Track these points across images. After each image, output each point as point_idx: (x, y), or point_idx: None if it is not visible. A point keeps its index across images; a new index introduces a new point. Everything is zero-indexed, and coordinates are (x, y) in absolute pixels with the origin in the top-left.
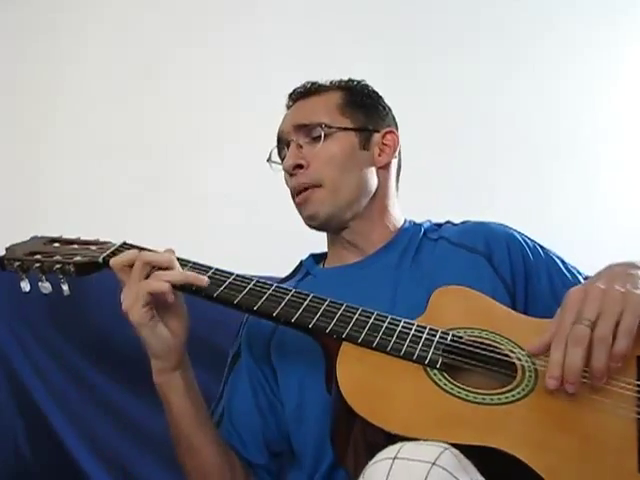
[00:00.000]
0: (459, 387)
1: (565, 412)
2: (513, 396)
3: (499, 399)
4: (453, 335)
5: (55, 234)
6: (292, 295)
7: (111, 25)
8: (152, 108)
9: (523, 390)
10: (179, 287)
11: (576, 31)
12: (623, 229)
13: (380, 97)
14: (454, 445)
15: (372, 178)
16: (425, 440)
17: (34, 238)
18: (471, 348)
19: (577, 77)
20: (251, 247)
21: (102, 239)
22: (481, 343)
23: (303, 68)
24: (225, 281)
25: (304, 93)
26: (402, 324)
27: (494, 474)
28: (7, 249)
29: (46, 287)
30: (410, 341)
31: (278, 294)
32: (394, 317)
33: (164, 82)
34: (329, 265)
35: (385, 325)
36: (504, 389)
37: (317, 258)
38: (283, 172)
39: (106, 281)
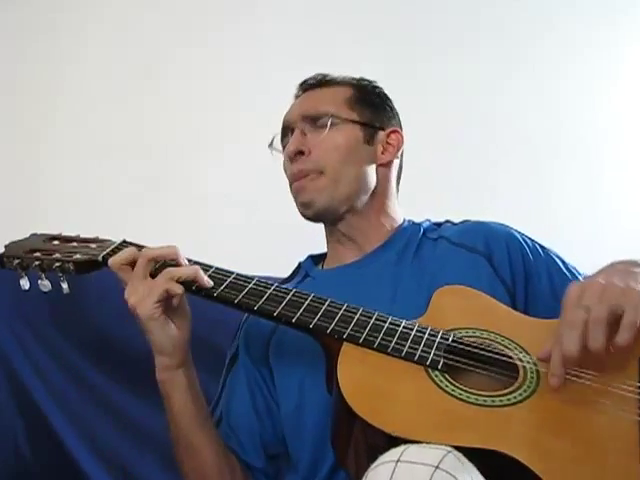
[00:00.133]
0: (460, 389)
1: (567, 414)
2: (515, 398)
3: (500, 401)
4: (454, 336)
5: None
6: (293, 295)
7: (111, 25)
8: (152, 108)
9: (525, 392)
10: (182, 284)
11: (576, 31)
12: (624, 229)
13: (389, 99)
14: (455, 447)
15: (372, 174)
16: (426, 442)
17: (33, 235)
18: (472, 349)
19: (577, 77)
20: (251, 247)
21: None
22: (482, 344)
23: (303, 68)
24: (225, 280)
25: (314, 84)
26: (403, 325)
27: (496, 476)
28: (6, 246)
29: (45, 285)
30: (411, 342)
31: (279, 294)
32: (395, 318)
33: (164, 82)
34: (328, 265)
35: (386, 326)
36: (506, 391)
37: (316, 259)
38: (283, 160)
39: (107, 280)
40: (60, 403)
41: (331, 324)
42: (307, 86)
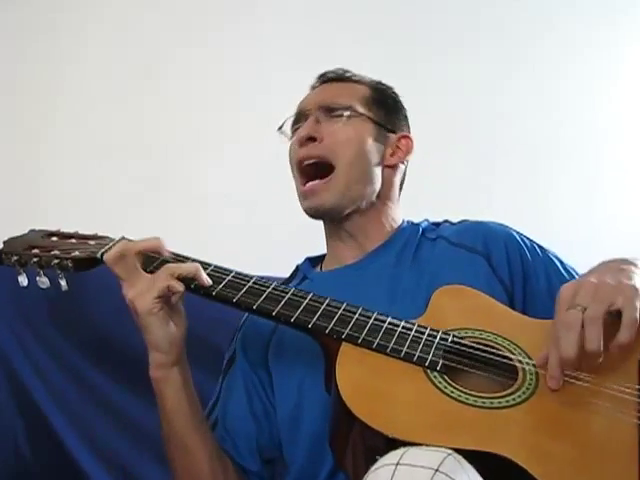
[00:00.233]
0: (459, 390)
1: (565, 417)
2: (514, 400)
3: (499, 403)
4: (454, 336)
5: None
6: (291, 294)
7: (111, 25)
8: (152, 108)
9: (524, 393)
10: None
11: (576, 31)
12: (623, 229)
13: (403, 105)
14: (454, 450)
15: (378, 174)
16: (425, 444)
17: (32, 231)
18: (472, 350)
19: (577, 77)
20: (251, 247)
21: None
22: (482, 345)
23: (303, 68)
24: (224, 279)
25: (334, 78)
26: (402, 325)
27: (496, 478)
28: (5, 242)
29: (44, 282)
30: (410, 342)
31: (278, 293)
32: (394, 317)
33: (164, 82)
34: (327, 266)
35: (385, 326)
36: (504, 392)
37: (314, 261)
38: (289, 146)
39: (107, 279)
40: (60, 403)
41: (330, 324)
42: (326, 78)
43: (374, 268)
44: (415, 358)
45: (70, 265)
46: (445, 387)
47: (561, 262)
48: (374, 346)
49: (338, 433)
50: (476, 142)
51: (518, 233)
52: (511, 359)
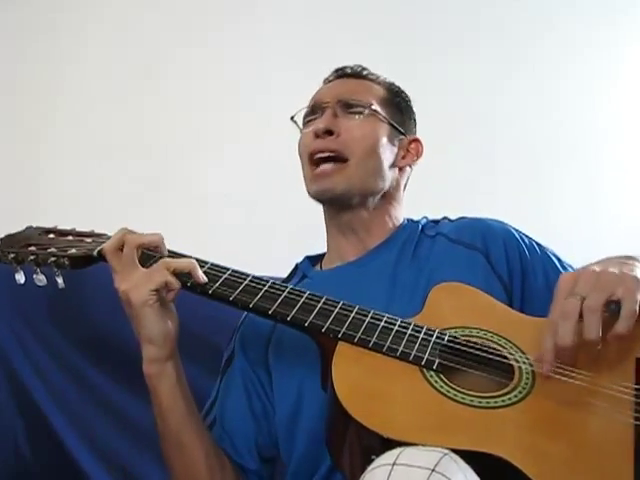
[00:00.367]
0: (455, 390)
1: (561, 416)
2: (510, 399)
3: (495, 402)
4: (450, 335)
5: None
6: (288, 292)
7: (111, 25)
8: (152, 108)
9: (520, 393)
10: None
11: (576, 31)
12: (623, 229)
13: (413, 110)
14: (450, 450)
15: (389, 175)
16: (422, 444)
17: (29, 228)
18: (468, 349)
19: (577, 77)
20: (251, 247)
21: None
22: (478, 344)
23: (303, 68)
24: (221, 277)
25: (352, 74)
26: (399, 323)
27: (493, 478)
28: (1, 240)
29: (41, 280)
30: (407, 341)
31: (274, 291)
32: (391, 316)
33: (164, 82)
34: (327, 264)
35: (381, 324)
36: (501, 392)
37: (313, 260)
38: (301, 136)
39: (107, 279)
40: (60, 403)
41: (326, 323)
42: (343, 73)
43: (375, 265)
44: (411, 357)
45: (67, 263)
46: (441, 386)
47: (559, 260)
48: (370, 345)
49: (334, 433)
50: (476, 142)
51: (517, 230)
52: (507, 358)
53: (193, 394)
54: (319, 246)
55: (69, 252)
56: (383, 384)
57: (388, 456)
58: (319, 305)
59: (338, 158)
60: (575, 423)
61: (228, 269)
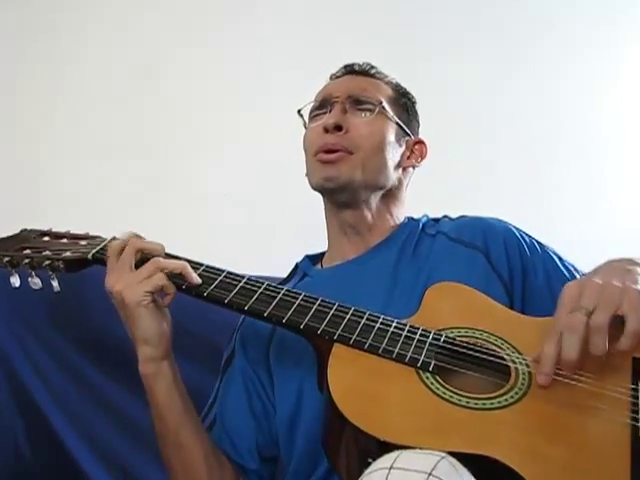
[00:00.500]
0: (452, 391)
1: (557, 418)
2: (506, 400)
3: (492, 404)
4: (446, 336)
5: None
6: (283, 294)
7: (111, 25)
8: (152, 108)
9: (516, 394)
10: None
11: (576, 31)
12: (624, 228)
13: (417, 111)
14: (447, 452)
15: (393, 174)
16: (418, 447)
17: (24, 231)
18: (464, 350)
19: (577, 77)
20: (251, 247)
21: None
22: (475, 344)
23: (303, 68)
24: (216, 279)
25: (361, 71)
26: (395, 325)
27: None
28: None
29: (36, 283)
30: (402, 343)
31: (269, 293)
32: (386, 317)
33: (164, 82)
34: (327, 262)
35: (377, 326)
36: (497, 393)
37: (313, 259)
38: (306, 131)
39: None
40: (60, 403)
41: (321, 325)
42: (352, 70)
43: (375, 264)
44: (407, 359)
45: (61, 266)
46: (437, 388)
47: (560, 258)
48: (366, 347)
49: (331, 435)
50: (476, 142)
51: (517, 229)
52: (504, 359)
53: (193, 394)
54: (319, 246)
55: (63, 255)
56: (379, 386)
57: (385, 460)
58: (314, 307)
59: (345, 152)
60: (572, 424)
61: (223, 271)
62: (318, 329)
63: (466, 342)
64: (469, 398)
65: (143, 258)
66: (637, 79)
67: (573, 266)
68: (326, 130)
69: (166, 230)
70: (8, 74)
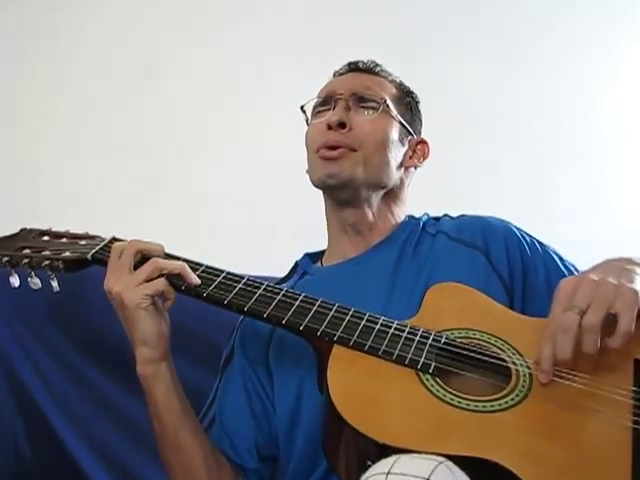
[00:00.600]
0: (452, 394)
1: (558, 420)
2: (506, 403)
3: (492, 406)
4: (446, 337)
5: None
6: (283, 295)
7: (111, 25)
8: (152, 108)
9: (517, 396)
10: (170, 283)
11: (576, 31)
12: (624, 228)
13: (420, 111)
14: (446, 455)
15: (395, 173)
16: (417, 450)
17: (23, 230)
18: (464, 351)
19: (577, 77)
20: (251, 247)
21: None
22: (475, 346)
23: (303, 68)
24: (215, 280)
25: (365, 69)
26: (395, 326)
27: None
28: None
29: (35, 283)
30: (402, 344)
31: (269, 294)
32: (387, 319)
33: (164, 82)
34: (327, 261)
35: (377, 327)
36: (497, 395)
37: (313, 257)
38: (309, 128)
39: None
40: (60, 403)
41: (321, 326)
42: (356, 67)
43: (375, 263)
44: (407, 360)
45: (61, 266)
46: (437, 390)
47: (560, 258)
48: (366, 348)
49: (330, 436)
50: (476, 142)
51: (517, 228)
52: (505, 361)
53: (192, 394)
54: (319, 246)
55: (63, 255)
56: (379, 388)
57: (382, 464)
58: (314, 308)
59: (347, 149)
60: (573, 426)
61: (223, 272)
62: (318, 330)
63: (467, 344)
64: (469, 400)
65: (143, 259)
66: (637, 79)
67: (574, 266)
68: (329, 127)
69: (166, 230)
70: (8, 74)
